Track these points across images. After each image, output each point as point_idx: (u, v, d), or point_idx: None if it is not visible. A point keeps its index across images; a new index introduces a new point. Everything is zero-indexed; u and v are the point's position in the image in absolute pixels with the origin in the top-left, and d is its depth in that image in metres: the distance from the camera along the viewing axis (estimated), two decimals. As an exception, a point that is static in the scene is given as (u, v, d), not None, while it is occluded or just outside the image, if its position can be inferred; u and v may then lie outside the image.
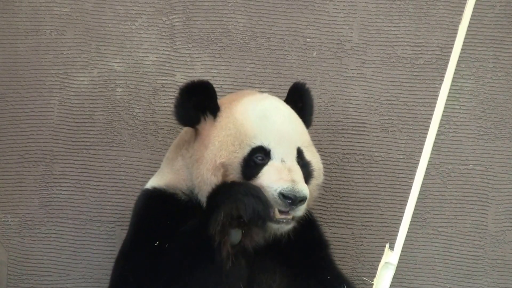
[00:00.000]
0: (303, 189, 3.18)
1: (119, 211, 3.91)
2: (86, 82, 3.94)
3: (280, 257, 3.35)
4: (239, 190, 3.10)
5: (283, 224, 3.21)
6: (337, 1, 3.99)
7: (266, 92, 3.64)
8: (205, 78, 3.78)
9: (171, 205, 3.35)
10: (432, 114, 3.24)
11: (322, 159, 3.47)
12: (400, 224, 3.18)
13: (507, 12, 3.96)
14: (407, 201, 3.20)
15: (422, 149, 3.22)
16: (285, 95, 3.53)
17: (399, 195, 3.94)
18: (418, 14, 3.98)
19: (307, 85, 3.56)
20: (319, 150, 3.55)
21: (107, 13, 3.95)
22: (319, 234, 3.52)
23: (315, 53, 3.98)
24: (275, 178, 3.19)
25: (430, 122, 3.23)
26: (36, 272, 3.91)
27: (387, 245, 3.18)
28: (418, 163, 3.21)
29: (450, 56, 3.26)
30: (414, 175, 3.21)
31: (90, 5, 3.95)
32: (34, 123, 3.92)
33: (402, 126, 3.98)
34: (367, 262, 3.95)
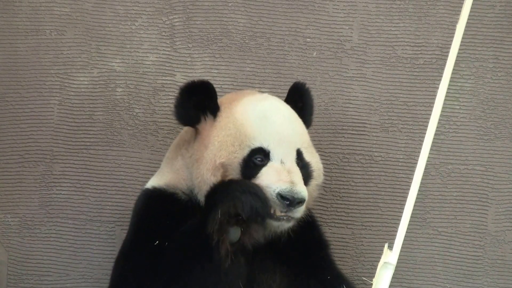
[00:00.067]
0: (302, 190, 3.17)
1: (119, 211, 3.91)
2: (86, 82, 3.94)
3: (280, 257, 3.35)
4: (237, 188, 3.10)
5: (283, 221, 3.20)
6: (337, 1, 3.99)
7: (266, 92, 3.64)
8: (205, 78, 3.78)
9: (171, 205, 3.35)
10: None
11: (322, 159, 3.47)
12: (399, 224, 3.18)
13: (507, 12, 3.96)
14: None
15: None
16: (285, 95, 3.53)
17: (399, 195, 3.94)
18: (418, 14, 3.98)
19: (307, 85, 3.56)
20: (319, 150, 3.55)
21: (107, 13, 3.95)
22: (319, 234, 3.52)
23: (315, 53, 3.98)
24: (274, 179, 3.19)
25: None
26: (36, 272, 3.91)
27: (386, 245, 3.18)
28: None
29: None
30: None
31: (90, 5, 3.95)
32: (34, 123, 3.92)
33: (402, 126, 3.97)
34: (367, 262, 3.95)
